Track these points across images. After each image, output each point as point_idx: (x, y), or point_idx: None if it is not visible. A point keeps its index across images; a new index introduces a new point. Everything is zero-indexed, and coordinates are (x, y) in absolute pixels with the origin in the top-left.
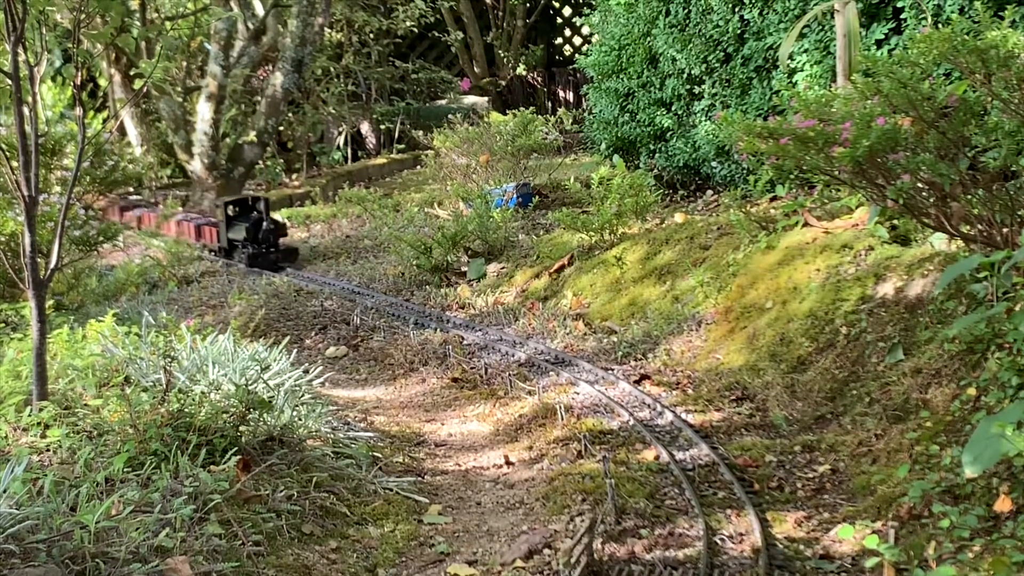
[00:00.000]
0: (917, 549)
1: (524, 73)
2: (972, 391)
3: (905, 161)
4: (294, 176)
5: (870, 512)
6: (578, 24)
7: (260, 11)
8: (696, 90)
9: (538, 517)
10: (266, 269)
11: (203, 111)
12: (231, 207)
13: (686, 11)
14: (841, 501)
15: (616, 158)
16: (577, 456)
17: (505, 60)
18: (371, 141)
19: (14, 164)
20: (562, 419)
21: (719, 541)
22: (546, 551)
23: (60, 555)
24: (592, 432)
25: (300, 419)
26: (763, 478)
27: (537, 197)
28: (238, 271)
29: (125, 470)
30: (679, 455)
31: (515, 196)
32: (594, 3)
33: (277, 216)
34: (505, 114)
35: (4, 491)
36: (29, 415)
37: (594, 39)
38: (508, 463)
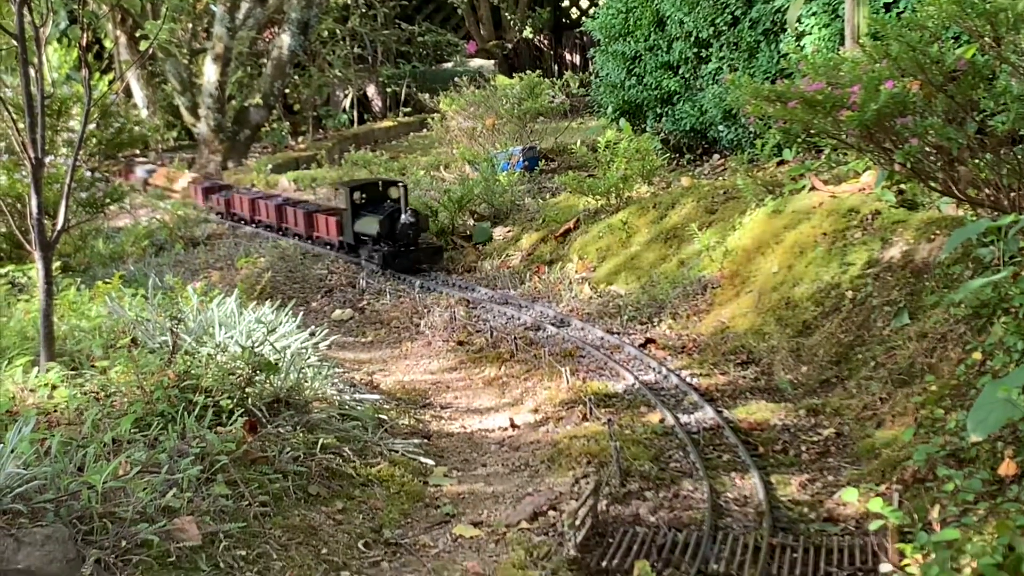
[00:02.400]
0: (921, 512)
1: (530, 36)
2: (978, 355)
3: (913, 125)
4: (300, 139)
5: (874, 475)
6: None
7: None
8: (703, 53)
9: (543, 479)
10: (404, 272)
11: (209, 73)
12: (358, 193)
13: None
14: (845, 464)
15: (623, 122)
16: (582, 419)
17: (511, 23)
18: (377, 104)
19: (20, 126)
20: (567, 382)
21: (723, 504)
22: (551, 513)
23: (68, 515)
24: (597, 395)
25: (306, 381)
26: (768, 441)
27: (543, 161)
28: (366, 272)
29: (132, 431)
30: (684, 418)
31: (521, 160)
32: None
33: (415, 207)
34: (511, 77)
35: (12, 451)
36: (36, 376)
37: (601, 2)
38: (513, 426)
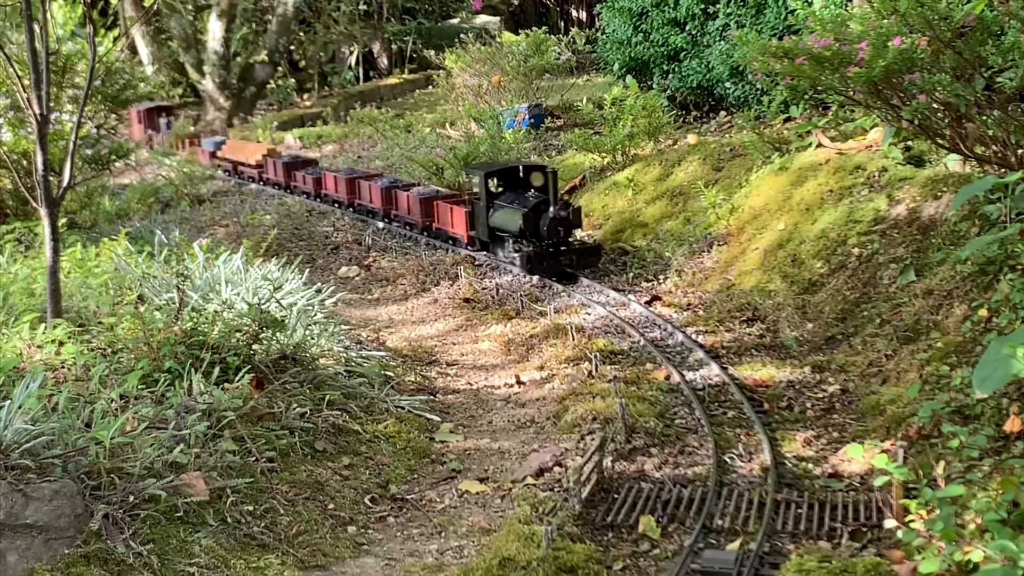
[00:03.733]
0: (926, 468)
1: None
2: (983, 312)
3: (921, 81)
4: (305, 96)
5: (879, 432)
6: None
7: None
8: (710, 9)
9: (549, 435)
10: (552, 277)
11: (214, 30)
12: (494, 179)
13: None
14: (850, 421)
15: (629, 79)
16: (588, 376)
17: None
18: (382, 61)
19: (25, 82)
20: (573, 339)
21: (728, 460)
22: (556, 469)
23: (75, 470)
24: (603, 352)
25: (313, 338)
26: (773, 398)
27: (549, 118)
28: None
29: (139, 387)
30: (689, 375)
31: (527, 117)
32: None
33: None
34: (517, 34)
35: (19, 407)
36: (43, 332)
37: None
38: (519, 382)
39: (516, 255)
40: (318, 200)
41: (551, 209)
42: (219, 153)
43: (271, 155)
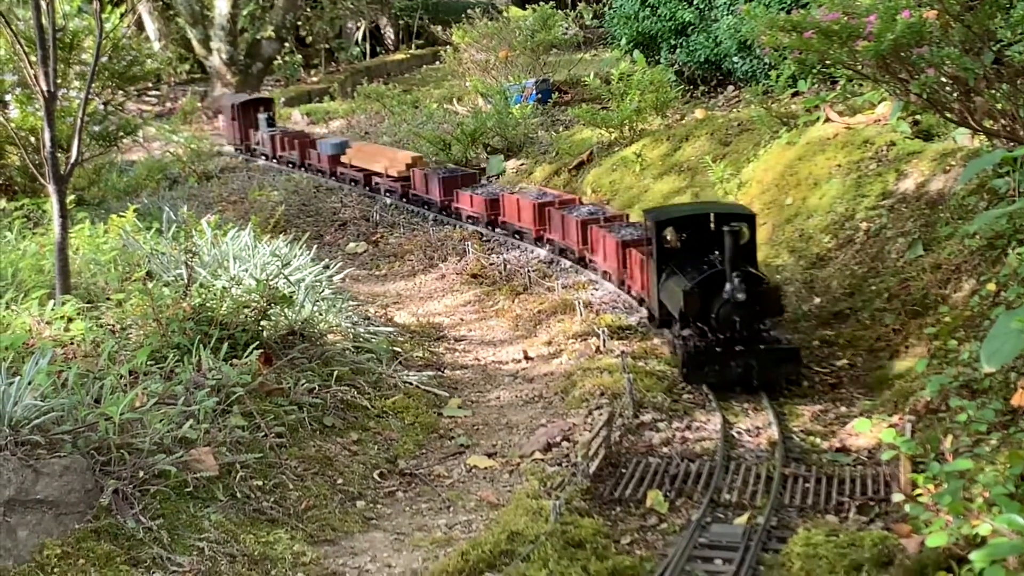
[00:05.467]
0: (934, 442)
1: None
2: (992, 286)
3: (929, 55)
4: (312, 72)
5: (887, 406)
6: None
7: None
8: None
9: (557, 411)
10: (734, 388)
11: (221, 5)
12: (672, 230)
13: None
14: (858, 395)
15: (636, 53)
16: (596, 351)
17: None
18: (389, 36)
19: (32, 59)
20: (581, 315)
21: (736, 434)
22: (564, 444)
23: (85, 446)
24: (611, 328)
25: (321, 314)
26: None
27: (556, 93)
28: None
29: (148, 363)
30: None
31: (534, 92)
32: None
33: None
34: (524, 9)
35: (29, 383)
36: (52, 309)
37: None
38: (527, 358)
39: (679, 345)
40: (492, 228)
41: (727, 285)
42: (343, 159)
43: (418, 165)
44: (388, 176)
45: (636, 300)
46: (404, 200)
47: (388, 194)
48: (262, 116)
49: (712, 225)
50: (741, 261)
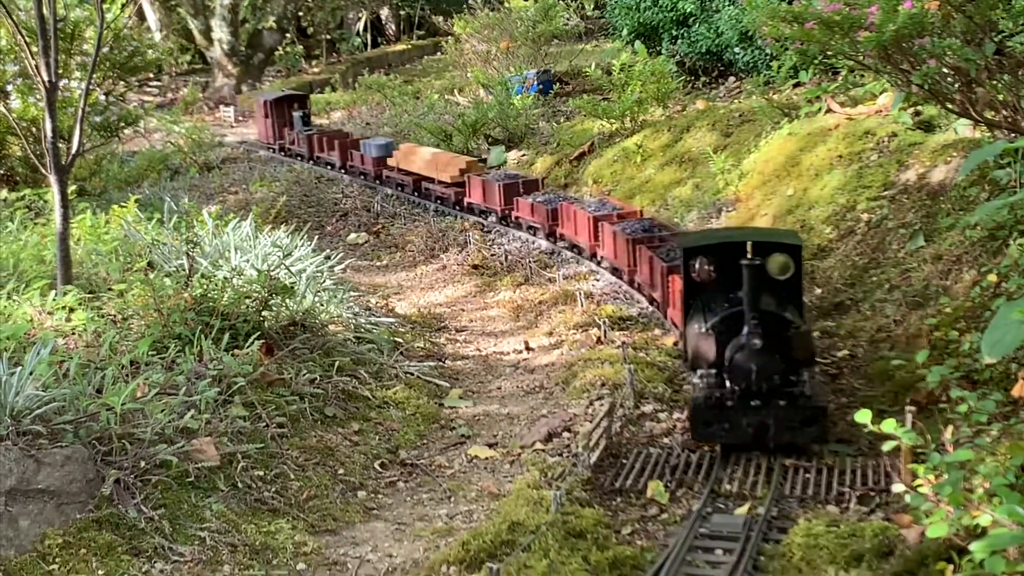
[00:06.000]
0: (934, 433)
1: None
2: (993, 277)
3: (931, 46)
4: (313, 63)
5: (888, 397)
6: None
7: None
8: None
9: (558, 401)
10: (738, 449)
11: None
12: (703, 262)
13: None
14: (859, 386)
15: (638, 44)
16: (597, 342)
17: None
18: (390, 27)
19: (33, 49)
20: (582, 305)
21: None
22: (565, 434)
23: (87, 436)
24: (611, 318)
25: (322, 304)
26: None
27: (558, 84)
28: None
29: (150, 353)
30: None
31: (536, 83)
32: None
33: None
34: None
35: (30, 373)
36: (54, 299)
37: None
38: (528, 348)
39: (696, 394)
40: (553, 240)
41: (745, 329)
42: (390, 161)
43: (473, 169)
44: (440, 182)
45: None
46: (458, 208)
47: (440, 201)
48: (297, 114)
49: (749, 254)
50: (776, 299)
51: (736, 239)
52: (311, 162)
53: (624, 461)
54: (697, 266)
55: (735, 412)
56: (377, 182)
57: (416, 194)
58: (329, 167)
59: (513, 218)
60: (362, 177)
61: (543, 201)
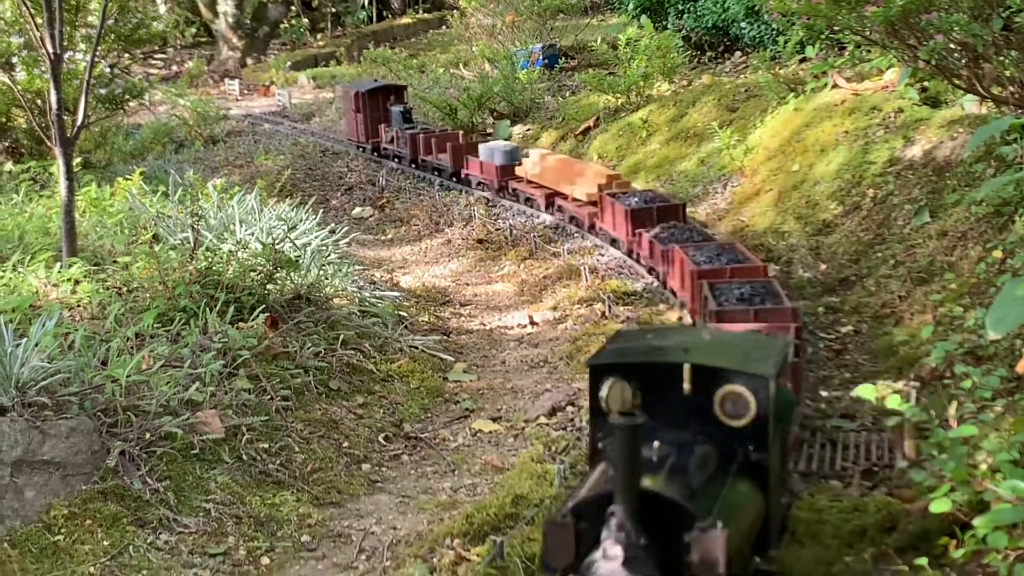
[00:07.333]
0: (938, 409)
1: None
2: (998, 253)
3: (938, 21)
4: (318, 36)
5: (892, 372)
6: None
7: None
8: None
9: (562, 376)
10: None
11: None
12: (620, 378)
13: None
14: (863, 361)
15: (644, 19)
16: (601, 316)
17: None
18: (396, 1)
19: (38, 21)
20: (587, 280)
21: None
22: (569, 408)
23: (92, 408)
24: (616, 293)
25: (327, 278)
26: None
27: (563, 58)
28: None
29: (155, 326)
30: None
31: (541, 57)
32: None
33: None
34: None
35: (36, 345)
36: (59, 271)
37: None
38: (532, 323)
39: None
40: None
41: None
42: (518, 170)
43: (615, 184)
44: (574, 200)
45: None
46: (590, 232)
47: (574, 222)
48: (396, 108)
49: (688, 385)
50: (712, 468)
51: (669, 358)
52: (413, 165)
53: None
54: (606, 392)
55: None
56: (499, 194)
57: (550, 210)
58: (436, 172)
59: (630, 244)
60: (480, 187)
61: (669, 230)
